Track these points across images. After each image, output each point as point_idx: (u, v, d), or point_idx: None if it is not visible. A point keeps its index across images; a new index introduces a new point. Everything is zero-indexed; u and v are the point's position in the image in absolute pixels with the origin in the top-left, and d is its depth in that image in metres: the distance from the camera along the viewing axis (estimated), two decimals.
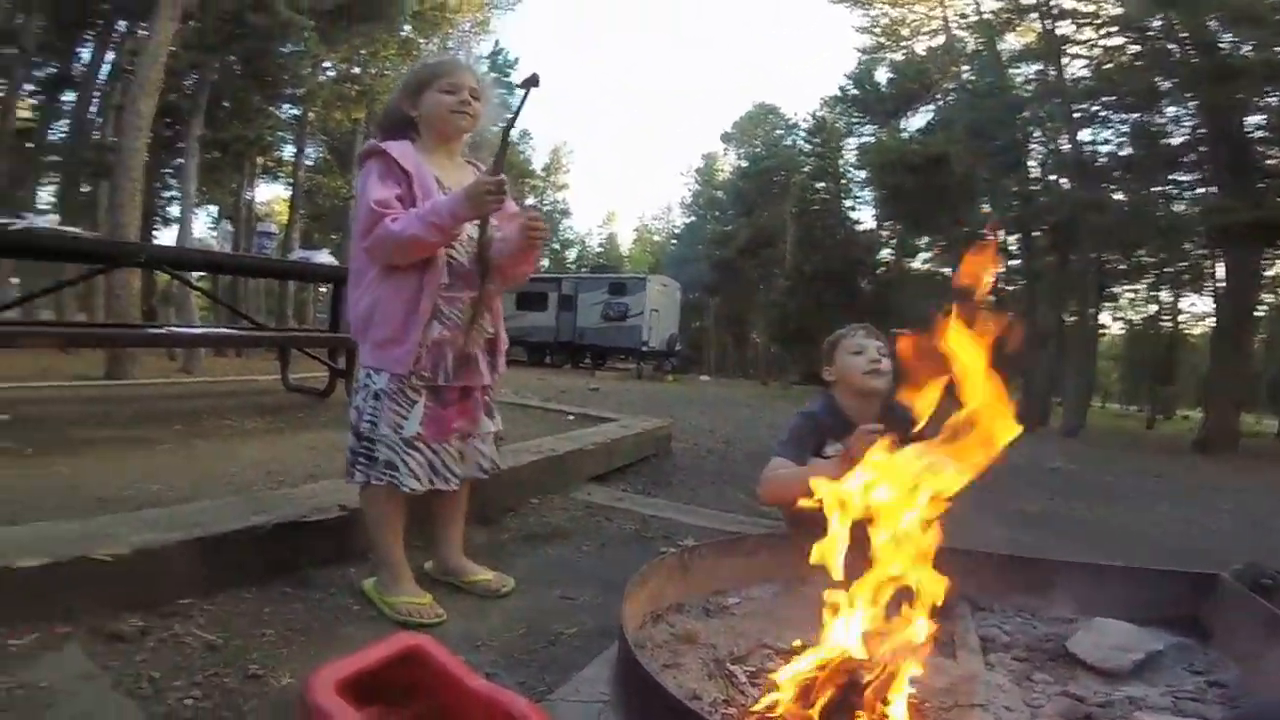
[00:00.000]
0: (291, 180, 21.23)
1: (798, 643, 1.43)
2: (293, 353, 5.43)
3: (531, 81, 1.68)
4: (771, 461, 2.27)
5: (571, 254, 50.54)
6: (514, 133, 1.86)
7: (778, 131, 38.06)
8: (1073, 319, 17.86)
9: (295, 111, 19.02)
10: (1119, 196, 16.17)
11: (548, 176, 42.55)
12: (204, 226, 17.16)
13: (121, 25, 14.79)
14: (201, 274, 8.37)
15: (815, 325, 21.65)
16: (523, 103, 1.71)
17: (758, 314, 34.83)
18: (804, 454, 2.24)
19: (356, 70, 19.54)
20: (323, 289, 18.94)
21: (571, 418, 5.07)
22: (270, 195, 30.81)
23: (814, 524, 2.20)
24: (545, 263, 44.02)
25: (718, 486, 3.79)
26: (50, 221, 3.67)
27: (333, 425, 3.94)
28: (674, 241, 46.64)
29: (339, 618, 1.73)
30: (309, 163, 21.83)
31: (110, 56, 15.11)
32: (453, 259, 1.78)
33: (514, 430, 4.06)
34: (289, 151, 21.19)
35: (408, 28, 19.58)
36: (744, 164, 38.89)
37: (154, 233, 16.23)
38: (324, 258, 4.96)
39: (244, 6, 12.44)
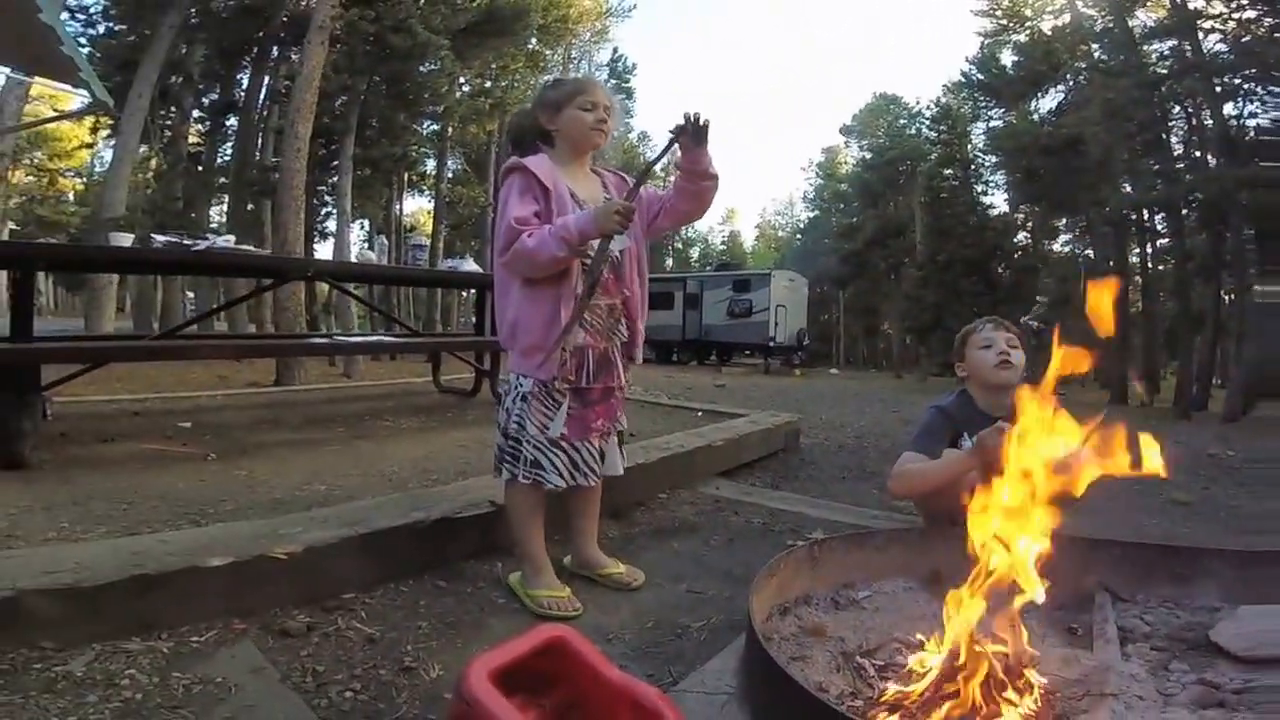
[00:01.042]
0: (434, 192, 22.55)
1: (925, 637, 1.41)
2: (442, 355, 5.75)
3: (679, 131, 1.77)
4: (903, 455, 2.26)
5: (695, 253, 50.67)
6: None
7: (900, 121, 36.58)
8: (1230, 298, 16.23)
9: (435, 127, 20.16)
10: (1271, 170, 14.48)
11: (666, 175, 42.91)
12: (358, 240, 18.44)
13: (275, 51, 16.14)
14: (356, 284, 8.93)
15: (952, 314, 20.63)
16: (669, 147, 1.80)
17: (889, 305, 33.57)
18: (937, 448, 2.20)
19: (489, 84, 20.50)
20: (466, 294, 19.99)
21: (699, 414, 5.07)
22: (414, 207, 32.79)
23: (949, 519, 2.16)
24: (669, 262, 44.37)
25: (849, 481, 3.70)
26: (227, 241, 3.96)
27: (480, 423, 4.17)
28: (798, 236, 45.88)
29: (485, 610, 1.83)
30: (449, 175, 23.10)
31: (267, 81, 16.51)
32: (586, 268, 1.86)
33: (644, 427, 4.15)
34: (430, 165, 22.49)
35: (534, 41, 20.32)
36: (867, 155, 37.61)
37: (314, 247, 17.56)
38: (470, 266, 5.19)
39: (385, 29, 13.29)
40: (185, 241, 3.63)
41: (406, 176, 21.62)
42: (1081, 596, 1.72)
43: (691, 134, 1.79)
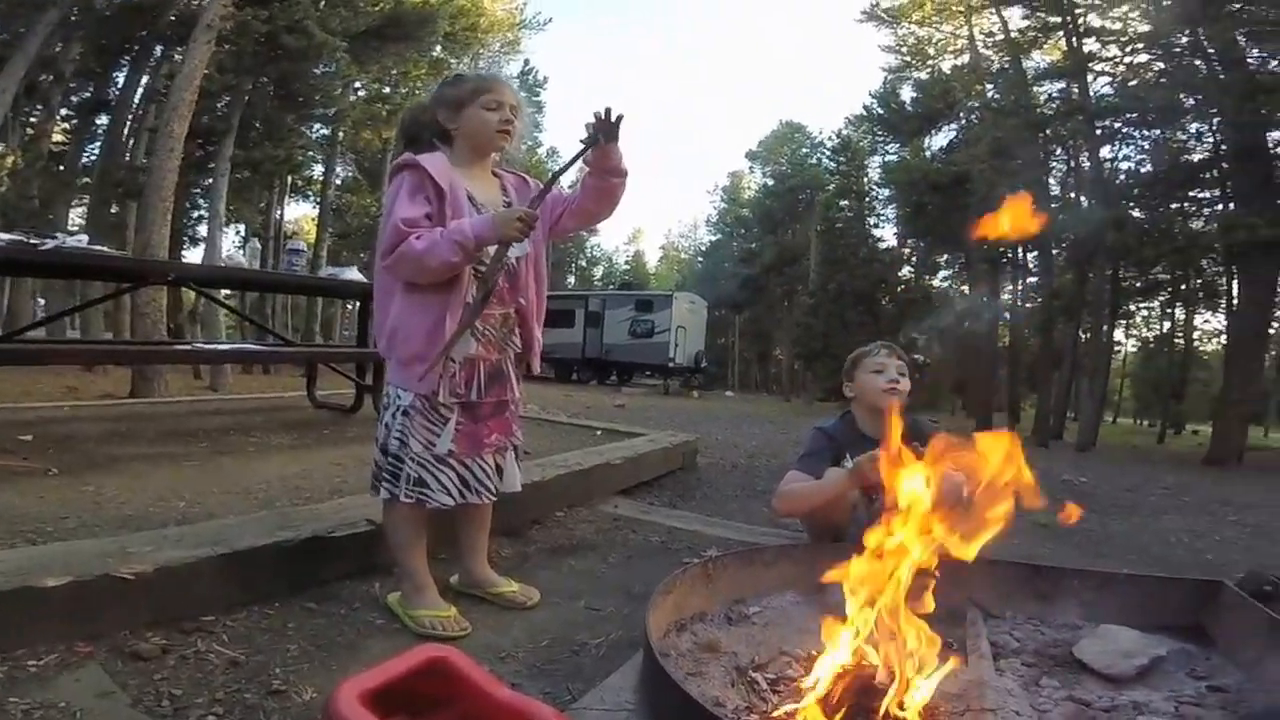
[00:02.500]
0: (320, 199, 21.64)
1: (815, 650, 1.45)
2: (320, 369, 5.48)
3: (593, 133, 1.74)
4: (787, 475, 2.35)
5: (598, 271, 50.89)
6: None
7: (803, 150, 38.10)
8: (1088, 336, 17.85)
9: (325, 131, 19.39)
10: (1137, 214, 16.11)
11: (574, 186, 43.08)
12: (231, 245, 17.48)
13: (158, 50, 15.20)
14: (229, 292, 8.48)
15: (838, 343, 21.57)
16: (580, 154, 1.77)
17: (782, 331, 34.80)
18: (820, 468, 2.29)
19: (387, 90, 19.91)
20: (350, 305, 19.25)
21: (599, 433, 5.07)
22: (298, 214, 31.34)
23: (832, 535, 2.25)
24: (571, 280, 44.34)
25: (742, 500, 3.78)
26: (79, 241, 3.68)
27: (360, 440, 3.97)
28: (700, 259, 46.86)
29: (363, 632, 1.74)
30: (338, 181, 22.25)
31: (145, 80, 15.53)
32: (480, 274, 1.78)
33: (541, 445, 4.09)
34: (318, 171, 21.60)
35: (438, 48, 19.94)
36: (770, 182, 38.95)
37: (182, 252, 16.48)
38: (352, 274, 5.00)
39: (279, 29, 12.72)
40: (31, 240, 3.33)
41: (290, 181, 20.68)
42: (954, 612, 1.80)
43: (604, 129, 1.75)
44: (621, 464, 3.58)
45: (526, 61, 28.05)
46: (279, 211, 20.72)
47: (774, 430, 8.61)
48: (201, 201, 16.55)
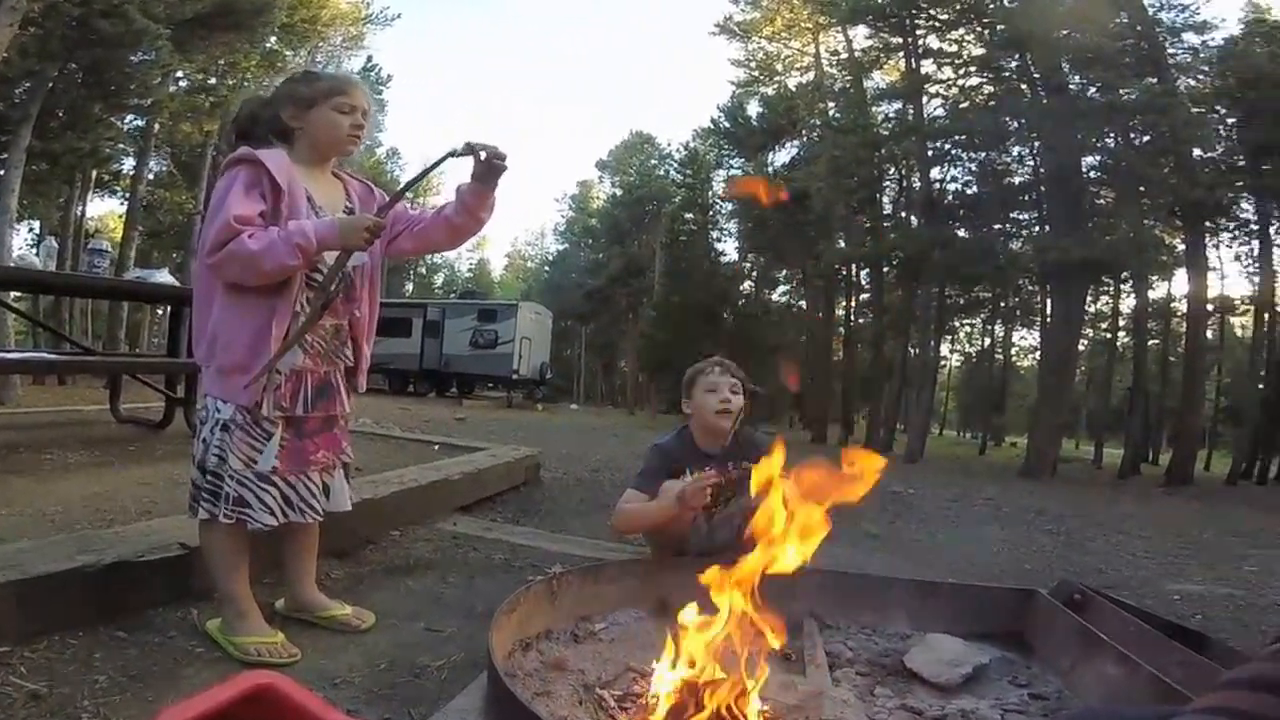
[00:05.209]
0: (129, 195, 19.51)
1: (660, 666, 1.49)
2: (126, 381, 4.99)
3: (461, 153, 1.71)
4: (624, 494, 2.43)
5: (439, 279, 49.40)
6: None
7: (652, 161, 38.94)
8: (916, 351, 19.26)
9: (140, 122, 17.53)
10: (962, 233, 17.58)
11: (416, 197, 41.61)
12: (24, 244, 15.49)
13: None
14: (19, 294, 7.47)
15: (680, 356, 22.25)
16: (436, 164, 1.74)
17: (627, 343, 35.33)
18: (654, 487, 2.37)
19: (212, 81, 18.31)
20: (160, 311, 17.48)
21: (437, 447, 4.97)
22: (104, 210, 28.24)
23: (675, 548, 2.36)
24: (409, 287, 42.73)
25: (586, 515, 3.82)
26: None
27: (170, 458, 3.67)
28: (547, 269, 46.68)
29: (181, 661, 1.64)
30: (150, 176, 20.16)
31: None
32: (315, 283, 1.73)
33: (374, 461, 3.96)
34: (129, 165, 19.46)
35: (273, 40, 18.62)
36: (619, 192, 39.43)
37: None
38: (163, 277, 4.62)
39: (94, 13, 11.40)
40: None
41: (96, 175, 18.53)
42: (791, 623, 1.90)
43: (489, 170, 1.75)
44: (461, 480, 3.54)
45: (370, 58, 26.87)
46: (80, 208, 18.54)
47: (619, 443, 8.75)
48: None
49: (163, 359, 4.86)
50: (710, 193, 30.11)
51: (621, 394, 36.86)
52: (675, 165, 33.89)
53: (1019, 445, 23.61)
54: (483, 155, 1.74)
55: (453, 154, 1.71)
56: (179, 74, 16.42)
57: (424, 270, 47.43)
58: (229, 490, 1.66)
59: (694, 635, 1.42)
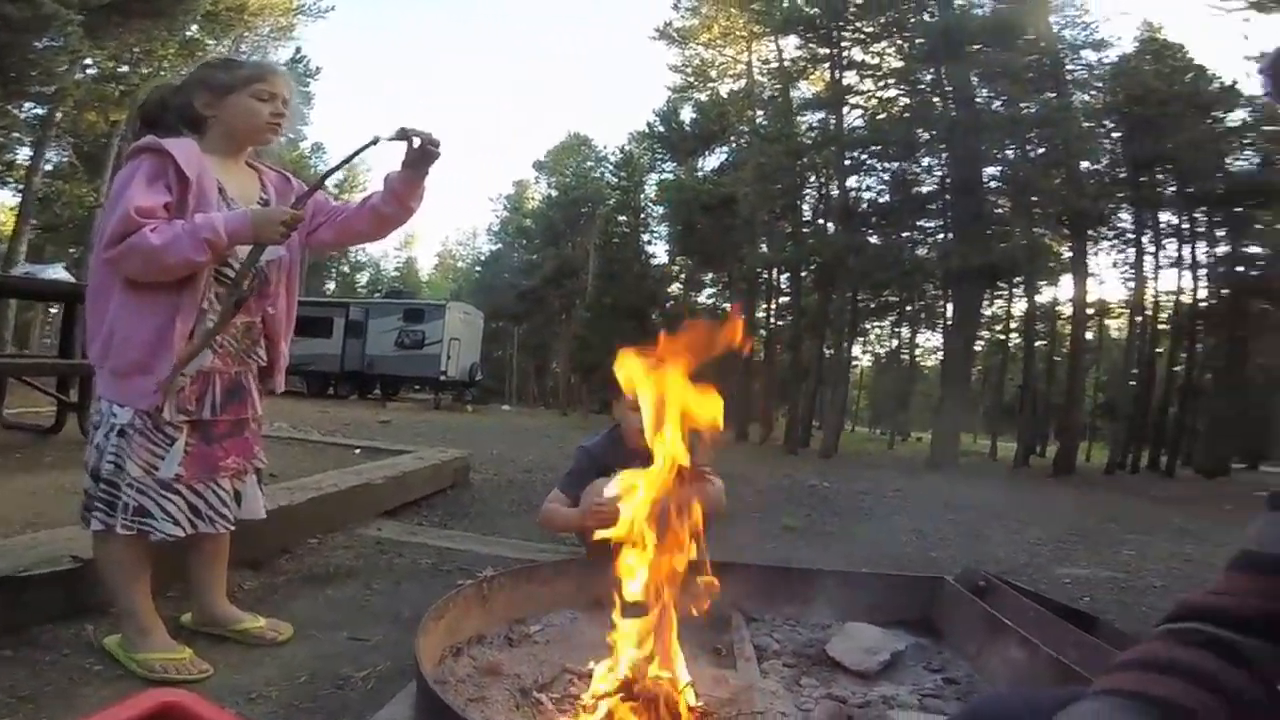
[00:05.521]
0: (23, 186, 18.18)
1: (594, 667, 1.47)
2: (10, 383, 4.62)
3: (394, 137, 1.63)
4: (549, 495, 2.50)
5: (363, 278, 47.92)
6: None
7: (588, 163, 38.81)
8: (831, 352, 20.19)
9: (40, 110, 16.36)
10: (874, 240, 18.47)
11: (341, 193, 40.25)
12: None
13: None
14: None
15: (613, 357, 22.20)
16: (357, 153, 1.65)
17: (560, 344, 35.16)
18: (578, 489, 2.42)
19: (124, 69, 17.24)
20: (53, 309, 16.40)
21: (358, 451, 4.84)
22: None
23: (610, 550, 2.31)
24: (331, 286, 41.38)
25: (518, 516, 3.75)
26: None
27: (61, 466, 3.43)
28: (479, 269, 45.86)
29: (77, 679, 1.51)
30: (48, 167, 18.84)
31: None
32: (225, 278, 1.61)
33: (290, 467, 3.83)
34: (23, 154, 18.13)
35: (194, 28, 17.68)
36: (554, 193, 39.11)
37: None
38: (55, 273, 4.34)
39: None
40: None
41: None
42: (720, 618, 1.91)
43: (421, 156, 1.66)
44: (384, 484, 3.43)
45: (299, 49, 25.93)
46: None
47: (552, 444, 8.66)
48: None
49: (54, 360, 4.55)
50: (643, 195, 30.41)
51: (554, 395, 36.65)
52: (610, 168, 34.00)
53: (924, 440, 24.72)
54: (416, 141, 1.66)
55: (381, 140, 1.63)
56: (88, 61, 15.45)
57: (347, 268, 45.95)
58: (127, 499, 1.52)
59: (629, 634, 1.40)
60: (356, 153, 1.68)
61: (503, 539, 3.16)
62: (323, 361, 19.81)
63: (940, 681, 1.71)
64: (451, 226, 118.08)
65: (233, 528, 1.71)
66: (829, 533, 4.22)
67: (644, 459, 2.34)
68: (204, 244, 1.47)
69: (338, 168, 1.72)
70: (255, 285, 1.63)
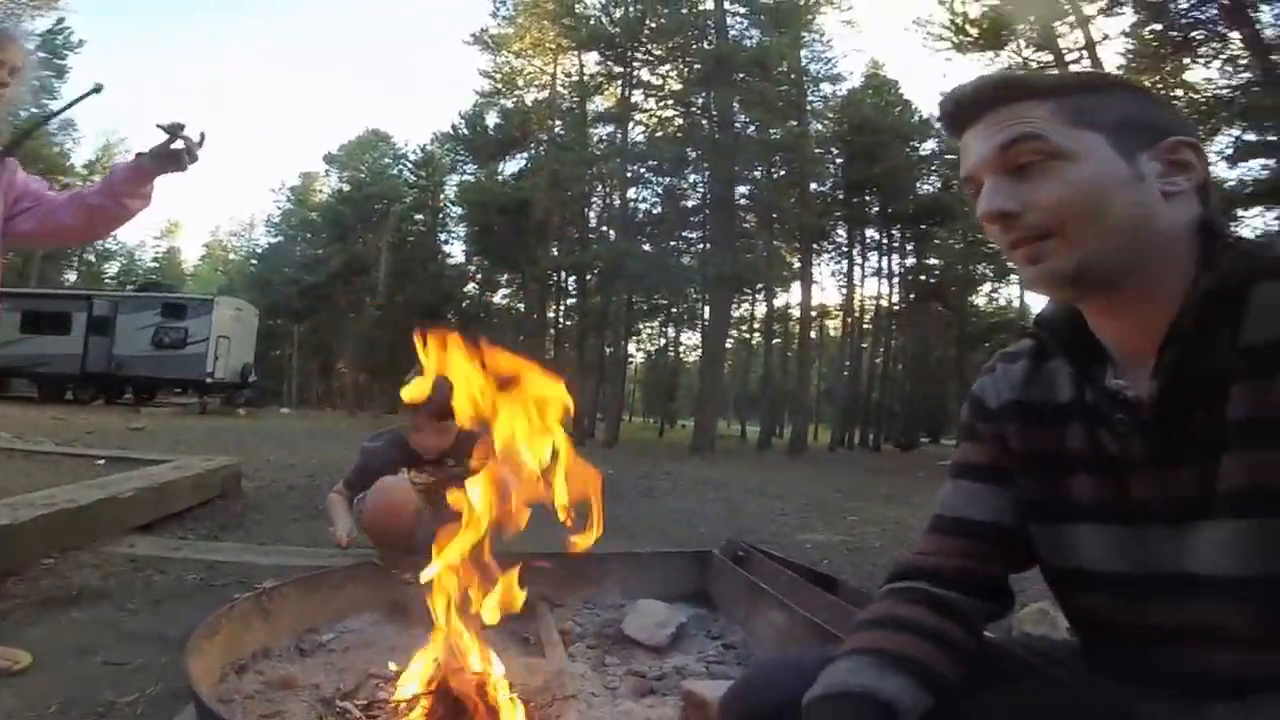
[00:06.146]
0: None
1: (396, 667, 1.44)
2: None
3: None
4: (336, 486, 2.51)
5: (112, 268, 41.40)
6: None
7: (386, 160, 36.92)
8: (611, 349, 22.04)
9: None
10: (647, 248, 20.36)
11: (91, 174, 34.29)
12: None
13: None
14: None
15: (404, 356, 21.31)
16: (75, 102, 1.50)
17: (347, 343, 32.95)
18: (360, 486, 2.41)
19: None
20: None
21: (102, 462, 4.34)
22: None
23: (402, 549, 2.26)
24: (71, 277, 35.54)
25: (302, 523, 3.54)
26: None
27: None
28: (255, 262, 41.44)
29: None
30: None
31: None
32: None
33: (14, 481, 3.43)
34: None
35: None
36: (346, 188, 36.41)
37: None
38: None
39: None
40: None
41: None
42: (528, 606, 1.94)
43: (170, 159, 1.49)
44: (135, 496, 3.10)
45: (61, 20, 21.95)
46: None
47: (339, 446, 8.12)
48: None
49: None
50: (442, 196, 30.15)
51: (340, 396, 34.22)
52: (410, 166, 33.30)
53: (688, 427, 26.57)
54: (179, 144, 1.50)
55: (98, 89, 1.47)
56: None
57: (93, 257, 39.46)
58: None
59: (436, 633, 1.37)
60: (75, 101, 1.54)
61: (286, 547, 2.97)
62: (59, 362, 16.85)
63: (721, 648, 1.83)
64: (224, 215, 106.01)
65: None
66: (615, 516, 4.39)
67: (426, 460, 2.36)
68: None
69: (50, 117, 1.49)
70: None
